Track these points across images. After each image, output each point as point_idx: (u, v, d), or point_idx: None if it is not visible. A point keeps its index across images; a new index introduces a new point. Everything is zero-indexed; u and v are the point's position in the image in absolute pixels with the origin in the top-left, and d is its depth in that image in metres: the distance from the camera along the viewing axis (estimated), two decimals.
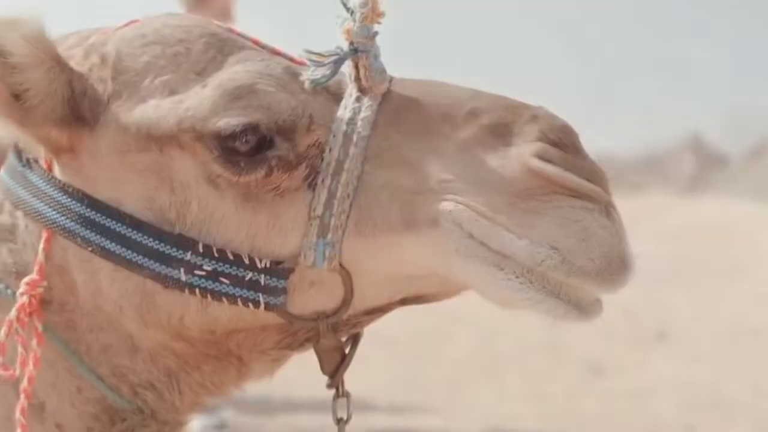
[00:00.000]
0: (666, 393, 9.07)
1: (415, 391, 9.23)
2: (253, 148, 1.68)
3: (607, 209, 1.66)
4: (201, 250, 1.69)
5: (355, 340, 1.85)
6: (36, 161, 1.81)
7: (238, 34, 1.82)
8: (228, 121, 1.67)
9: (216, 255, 1.69)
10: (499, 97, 1.73)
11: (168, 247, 1.70)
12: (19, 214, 1.82)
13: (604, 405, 8.73)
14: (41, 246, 1.77)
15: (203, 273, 1.69)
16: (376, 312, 1.79)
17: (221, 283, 1.69)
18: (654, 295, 15.27)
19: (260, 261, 1.69)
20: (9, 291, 1.80)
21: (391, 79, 1.75)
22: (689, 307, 14.22)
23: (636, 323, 12.94)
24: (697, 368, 10.15)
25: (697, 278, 17.50)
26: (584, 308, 1.67)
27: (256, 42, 1.81)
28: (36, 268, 1.77)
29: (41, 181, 1.78)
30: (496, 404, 8.78)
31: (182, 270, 1.69)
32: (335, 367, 1.82)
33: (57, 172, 1.79)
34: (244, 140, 1.67)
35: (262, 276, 1.69)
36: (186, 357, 1.81)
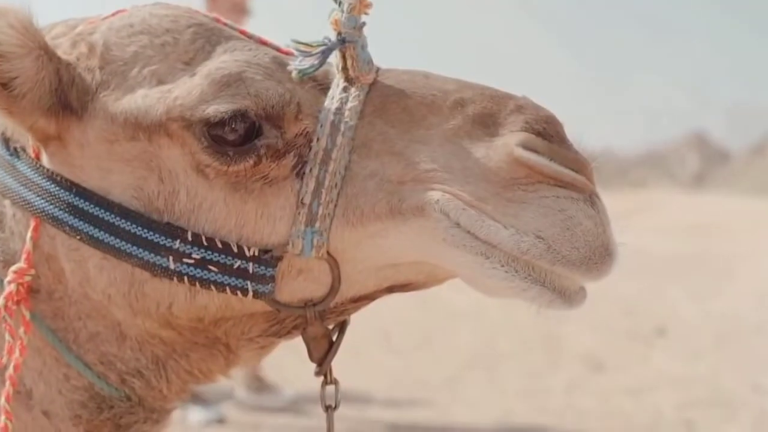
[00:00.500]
0: (665, 389, 9.06)
1: (413, 386, 9.24)
2: (242, 136, 1.69)
3: (592, 199, 1.68)
4: (190, 238, 1.70)
5: (342, 327, 1.86)
6: (24, 150, 1.81)
7: (225, 25, 1.82)
8: (217, 108, 1.68)
9: (205, 243, 1.70)
10: (484, 87, 1.75)
11: (156, 235, 1.71)
12: (7, 203, 1.82)
13: (603, 401, 8.72)
14: (29, 234, 1.78)
15: (192, 261, 1.70)
16: (363, 300, 1.81)
17: (210, 271, 1.70)
18: (654, 290, 15.31)
19: (248, 249, 1.70)
20: None
21: (377, 70, 1.76)
22: (689, 303, 14.21)
23: (636, 319, 12.96)
24: (697, 364, 10.14)
25: (697, 274, 17.50)
26: (569, 296, 1.70)
27: (243, 32, 1.83)
28: (24, 256, 1.78)
29: (29, 170, 1.78)
30: (494, 399, 8.78)
31: (171, 258, 1.70)
32: (323, 354, 1.83)
33: (45, 161, 1.79)
34: (233, 128, 1.69)
35: (251, 264, 1.70)
36: (174, 345, 1.83)
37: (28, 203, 1.76)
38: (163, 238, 1.70)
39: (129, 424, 1.85)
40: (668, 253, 21.35)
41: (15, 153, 1.81)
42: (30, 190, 1.76)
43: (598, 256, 1.65)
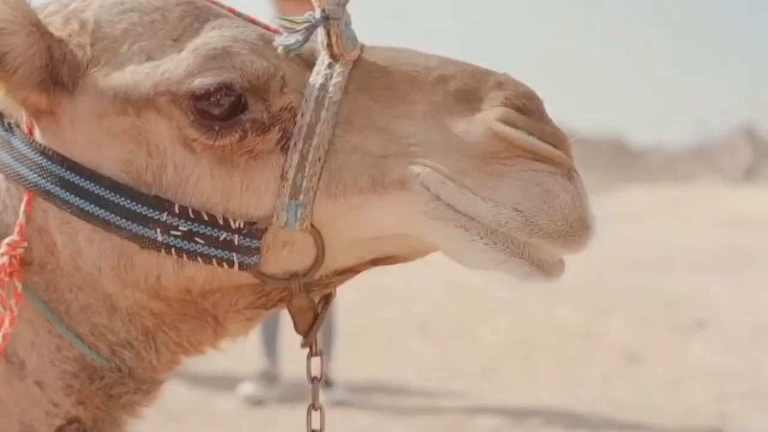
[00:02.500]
0: (701, 381, 8.98)
1: (448, 376, 9.26)
2: (227, 111, 1.73)
3: (569, 173, 1.71)
4: (177, 211, 1.74)
5: (327, 300, 1.89)
6: (18, 126, 1.86)
7: (215, 3, 1.86)
8: (202, 81, 1.72)
9: (191, 216, 1.74)
10: (466, 64, 1.78)
11: (145, 208, 1.74)
12: (1, 177, 1.87)
13: (638, 392, 8.67)
14: (22, 208, 1.82)
15: (179, 233, 1.74)
16: (347, 272, 1.84)
17: (196, 243, 1.74)
18: (698, 283, 15.16)
19: (234, 222, 1.74)
20: None
21: (362, 47, 1.79)
22: (731, 297, 14.05)
23: (676, 312, 12.85)
24: (735, 357, 10.03)
25: (740, 267, 17.31)
26: (547, 269, 1.74)
27: (232, 10, 1.87)
28: (17, 229, 1.82)
29: (22, 145, 1.82)
30: (528, 389, 8.77)
31: (158, 230, 1.74)
32: (308, 326, 1.87)
33: (38, 136, 1.83)
34: (218, 102, 1.72)
35: (236, 236, 1.74)
36: (163, 316, 1.86)
37: (21, 177, 1.81)
38: (151, 210, 1.74)
39: (119, 395, 1.89)
40: (714, 247, 21.13)
41: (9, 128, 1.86)
42: (23, 165, 1.81)
43: (576, 229, 1.69)
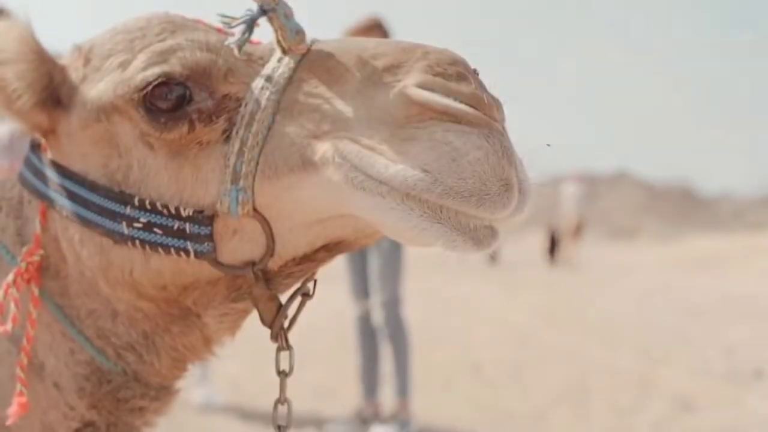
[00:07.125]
0: (754, 431, 8.83)
1: (500, 418, 9.22)
2: (173, 104, 1.83)
3: (492, 133, 1.68)
4: (137, 203, 1.86)
5: (295, 293, 1.95)
6: (38, 146, 2.06)
7: (201, 23, 1.99)
8: (144, 74, 1.85)
9: (148, 207, 1.85)
10: (400, 42, 1.82)
11: (113, 203, 1.87)
12: (25, 193, 2.07)
13: None
14: (38, 218, 2.01)
15: (140, 225, 1.85)
16: (305, 262, 1.90)
17: (155, 233, 1.85)
18: (756, 332, 14.88)
19: (184, 210, 1.83)
20: (16, 260, 2.03)
21: (313, 41, 1.87)
22: None
23: (735, 361, 12.63)
24: None
25: None
26: (473, 235, 1.70)
27: (220, 31, 1.97)
28: (33, 237, 2.01)
29: (38, 161, 2.03)
30: None
31: (124, 223, 1.86)
32: (273, 317, 1.93)
33: (49, 153, 2.02)
34: (164, 96, 1.83)
35: (187, 224, 1.83)
36: (156, 319, 1.98)
37: (36, 190, 2.00)
38: (117, 205, 1.86)
39: (126, 399, 2.01)
40: None
41: (32, 149, 2.07)
42: (37, 178, 2.01)
43: (491, 187, 1.64)
